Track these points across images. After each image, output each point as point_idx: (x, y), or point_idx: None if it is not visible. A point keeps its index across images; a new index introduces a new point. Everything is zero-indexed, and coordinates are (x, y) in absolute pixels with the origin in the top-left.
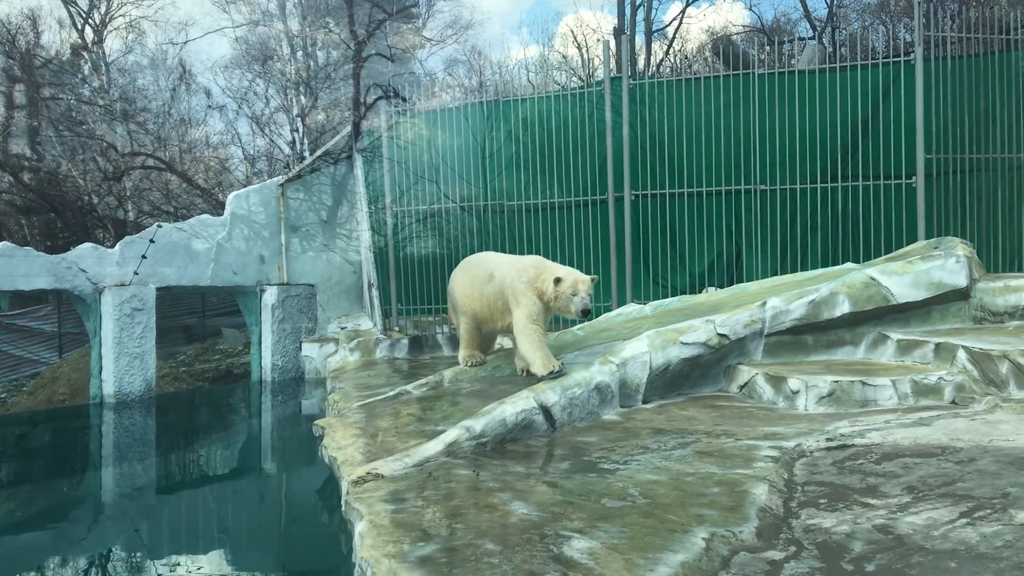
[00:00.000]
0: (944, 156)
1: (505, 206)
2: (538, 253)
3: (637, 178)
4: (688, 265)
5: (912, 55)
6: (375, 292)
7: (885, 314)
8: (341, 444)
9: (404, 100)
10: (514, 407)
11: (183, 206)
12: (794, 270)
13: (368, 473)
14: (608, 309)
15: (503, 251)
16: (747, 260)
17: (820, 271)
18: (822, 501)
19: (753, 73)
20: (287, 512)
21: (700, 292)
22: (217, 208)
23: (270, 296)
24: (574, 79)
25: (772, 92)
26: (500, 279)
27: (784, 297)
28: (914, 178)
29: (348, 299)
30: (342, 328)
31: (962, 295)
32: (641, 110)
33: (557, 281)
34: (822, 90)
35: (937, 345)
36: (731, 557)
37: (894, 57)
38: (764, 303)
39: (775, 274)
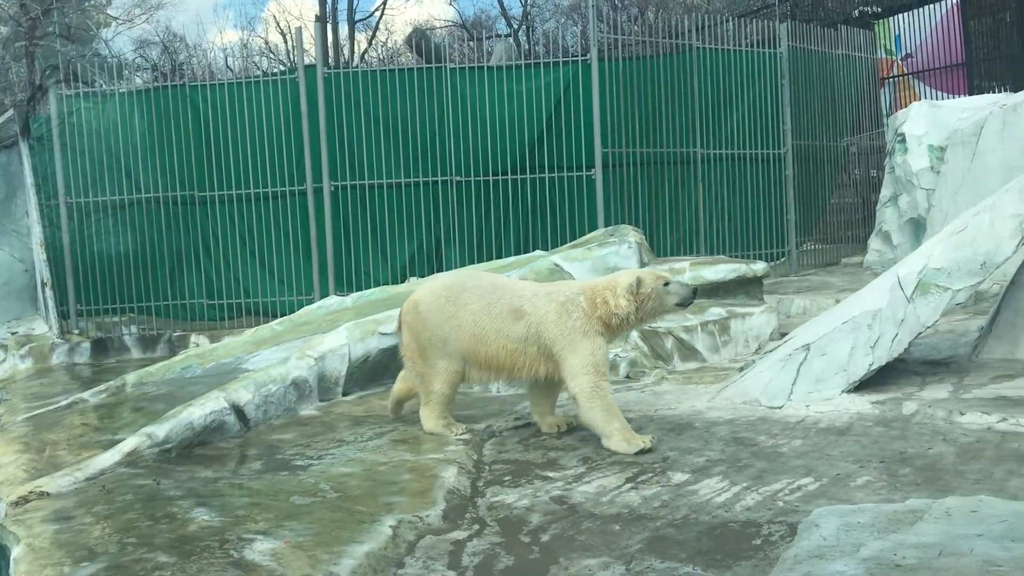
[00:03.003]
0: (619, 150)
1: (197, 197)
2: (234, 246)
3: (336, 169)
4: (391, 256)
5: (589, 55)
6: (49, 292)
7: None
8: (1, 463)
9: (85, 83)
10: (202, 409)
11: None
12: (491, 258)
13: (31, 492)
14: (310, 302)
15: (195, 244)
16: (447, 250)
17: (513, 259)
18: (507, 478)
19: (445, 67)
20: None
21: (404, 283)
22: None
23: None
24: (278, 66)
25: (465, 86)
26: (538, 318)
27: None
28: (593, 170)
29: (21, 301)
30: (12, 333)
31: None
32: (337, 100)
33: (639, 284)
34: (511, 86)
35: None
36: (417, 542)
37: (573, 57)
38: None
39: (473, 262)
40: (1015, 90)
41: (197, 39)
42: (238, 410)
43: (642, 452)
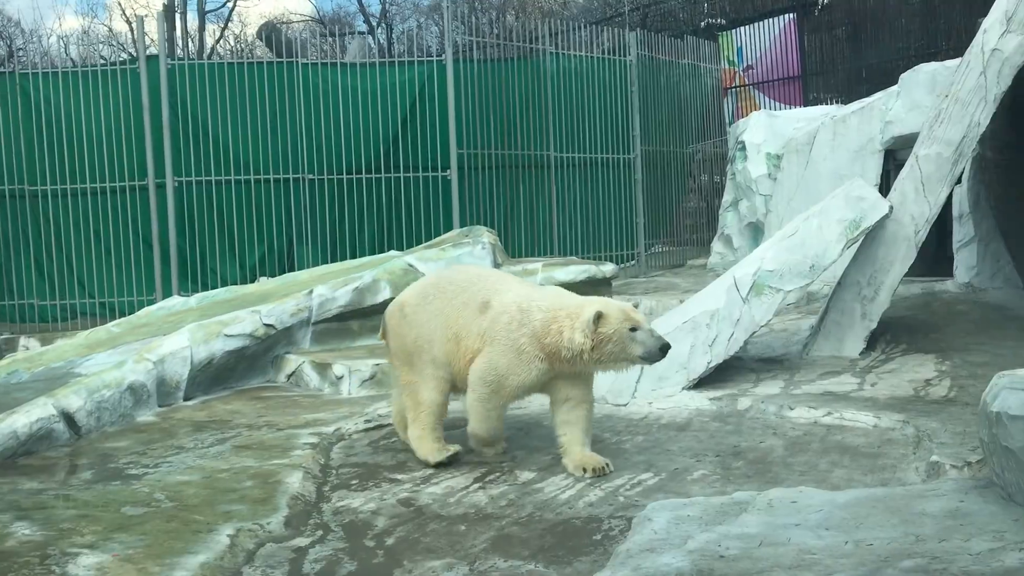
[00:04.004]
0: (475, 151)
1: (28, 191)
2: (70, 243)
3: (181, 164)
4: (239, 255)
5: (444, 56)
6: None
7: None
8: None
9: None
10: (28, 416)
11: None
12: (345, 258)
13: None
14: (152, 303)
15: (27, 240)
16: (300, 249)
17: (367, 259)
18: (354, 482)
19: (297, 62)
20: None
21: (253, 283)
22: None
23: None
24: (121, 56)
25: (318, 82)
26: (494, 315)
27: (330, 285)
28: (449, 171)
29: None
30: None
31: None
32: (182, 92)
33: (599, 320)
34: (366, 84)
35: None
36: (256, 550)
37: (429, 57)
38: (311, 291)
39: (327, 262)
40: (846, 103)
41: (34, 24)
42: (68, 417)
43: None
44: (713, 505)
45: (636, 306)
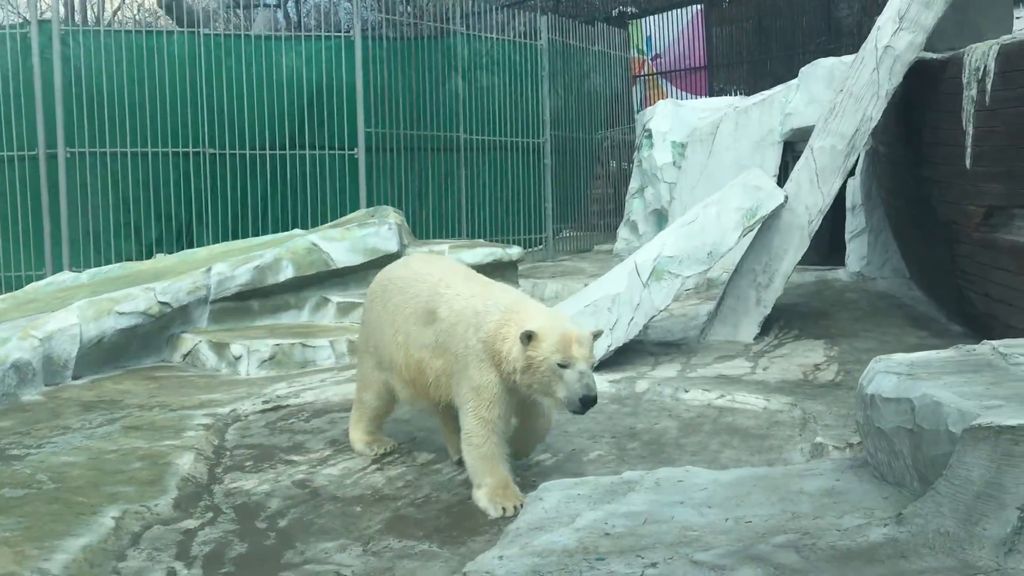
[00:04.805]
0: (384, 131)
1: None
2: None
3: (75, 134)
4: (136, 231)
5: (352, 32)
6: None
7: (327, 278)
8: None
9: None
10: None
11: None
12: (247, 236)
13: None
14: (41, 278)
15: None
16: (201, 225)
17: (269, 237)
18: (248, 464)
19: (199, 32)
20: None
21: (149, 259)
22: None
23: None
24: (14, 19)
25: (221, 54)
26: (448, 325)
27: (230, 263)
28: (356, 150)
29: None
30: None
31: (394, 259)
32: (76, 59)
33: (530, 342)
34: (272, 58)
35: None
36: (143, 532)
37: (337, 33)
38: (209, 269)
39: (228, 239)
40: (750, 94)
41: None
42: None
43: (505, 514)
44: (603, 484)
45: (596, 337)
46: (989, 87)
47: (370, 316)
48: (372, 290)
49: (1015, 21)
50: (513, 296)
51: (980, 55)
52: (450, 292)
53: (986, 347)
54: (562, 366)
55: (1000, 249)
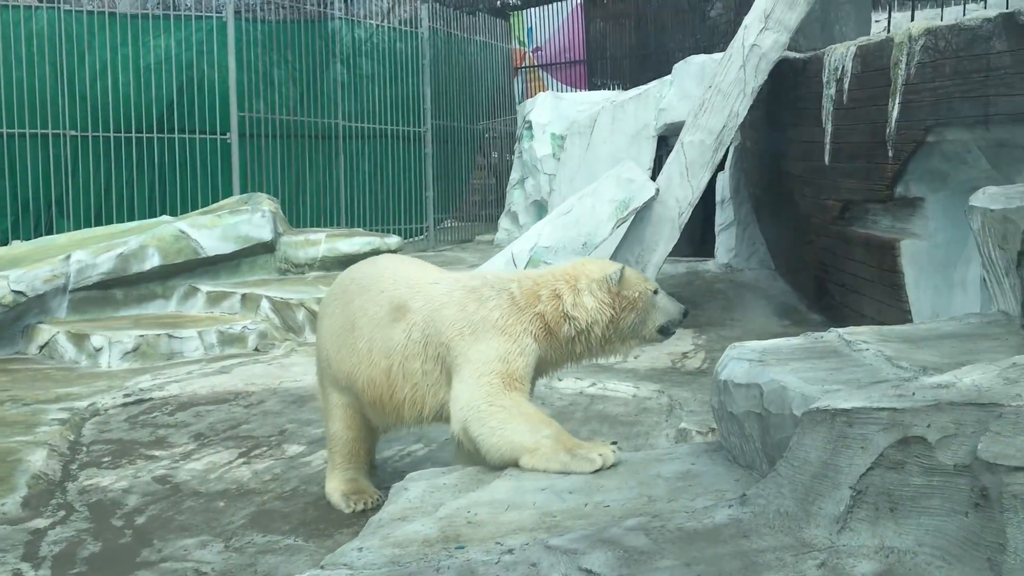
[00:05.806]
0: (258, 115)
1: None
2: None
3: None
4: None
5: (224, 13)
6: None
7: (196, 267)
8: None
9: None
10: None
11: None
12: (112, 222)
13: None
14: None
15: None
16: (61, 212)
17: (135, 224)
18: (106, 460)
19: (59, 8)
20: None
21: (4, 247)
22: None
23: None
24: None
25: (82, 31)
26: (425, 314)
27: (91, 250)
28: (229, 134)
29: None
30: None
31: (268, 248)
32: None
33: (621, 280)
34: (139, 37)
35: (243, 296)
36: None
37: (207, 13)
38: (68, 256)
39: (91, 226)
40: (627, 88)
41: None
42: None
43: (603, 468)
44: (469, 473)
45: None
46: (847, 87)
47: (325, 324)
48: (330, 292)
49: (873, 24)
50: (497, 272)
51: (839, 56)
52: (425, 280)
53: (832, 334)
54: (655, 293)
55: (855, 242)
